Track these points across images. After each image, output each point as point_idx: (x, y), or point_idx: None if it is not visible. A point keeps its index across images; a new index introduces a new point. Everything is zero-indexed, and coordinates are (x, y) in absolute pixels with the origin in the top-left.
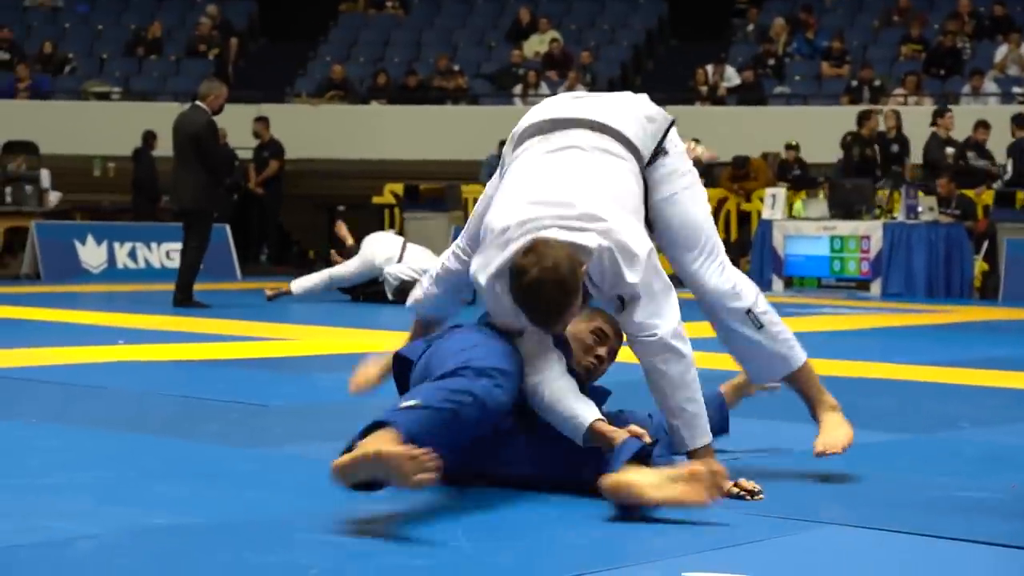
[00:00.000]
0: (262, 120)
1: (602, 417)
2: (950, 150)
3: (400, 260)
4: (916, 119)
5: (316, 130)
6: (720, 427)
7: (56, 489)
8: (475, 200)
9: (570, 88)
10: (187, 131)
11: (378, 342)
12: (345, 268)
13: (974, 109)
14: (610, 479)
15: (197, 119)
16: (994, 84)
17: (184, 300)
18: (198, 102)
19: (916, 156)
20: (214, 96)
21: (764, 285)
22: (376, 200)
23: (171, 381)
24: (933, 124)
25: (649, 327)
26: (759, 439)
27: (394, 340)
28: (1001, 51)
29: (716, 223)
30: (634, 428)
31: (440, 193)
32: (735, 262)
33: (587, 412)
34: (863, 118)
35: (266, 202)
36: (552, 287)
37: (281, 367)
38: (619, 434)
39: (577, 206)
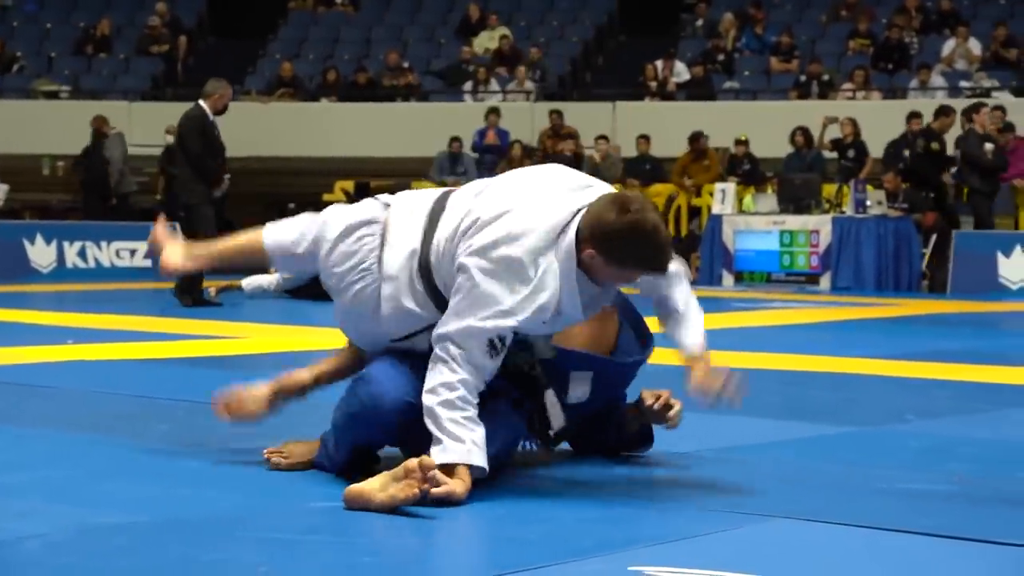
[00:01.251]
0: None
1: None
2: (989, 146)
3: None
4: (864, 114)
5: (266, 128)
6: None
7: (3, 489)
8: None
9: (520, 84)
10: (178, 129)
11: (329, 339)
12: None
13: (921, 103)
14: (346, 491)
15: (187, 117)
16: (941, 78)
17: (195, 299)
18: (200, 101)
19: (875, 152)
20: (218, 96)
21: (714, 280)
22: (327, 198)
23: (120, 380)
24: (969, 121)
25: None
26: (707, 433)
27: (341, 337)
28: (948, 45)
29: (666, 219)
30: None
31: (391, 190)
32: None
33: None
34: (941, 114)
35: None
36: (662, 226)
37: (231, 365)
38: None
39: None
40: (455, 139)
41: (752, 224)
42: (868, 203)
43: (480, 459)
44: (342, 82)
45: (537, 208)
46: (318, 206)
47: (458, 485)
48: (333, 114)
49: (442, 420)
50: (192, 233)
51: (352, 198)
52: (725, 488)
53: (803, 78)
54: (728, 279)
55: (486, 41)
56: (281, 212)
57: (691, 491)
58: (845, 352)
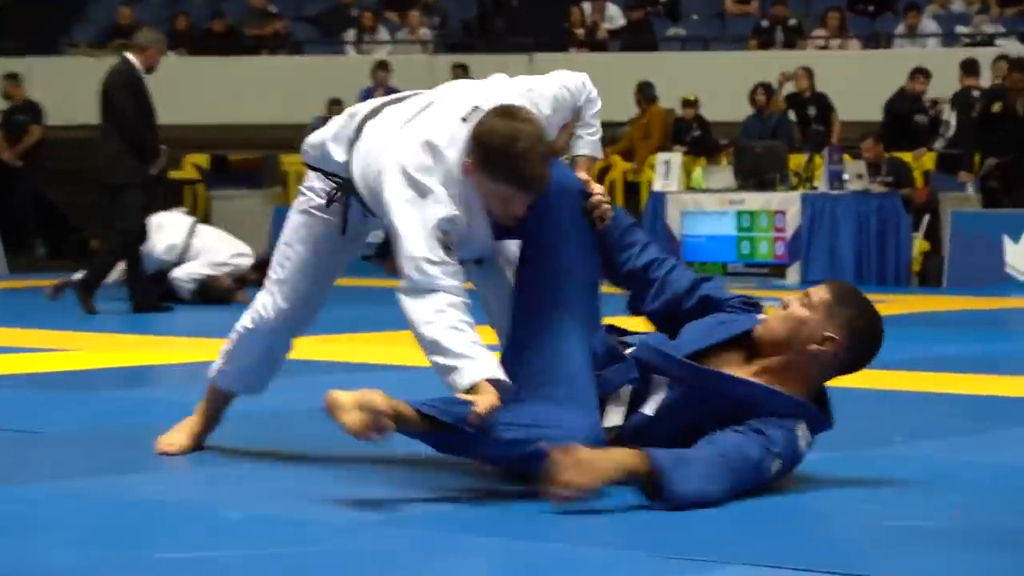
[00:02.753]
0: (11, 77)
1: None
2: None
3: (186, 250)
4: (840, 66)
5: (98, 88)
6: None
7: None
8: (298, 176)
9: (413, 32)
10: (104, 88)
11: (176, 351)
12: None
13: (910, 53)
14: (329, 393)
15: (115, 72)
16: (934, 22)
17: (85, 299)
18: (128, 54)
19: (844, 112)
20: (155, 49)
21: None
22: (174, 175)
23: None
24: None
25: None
26: None
27: (193, 347)
28: None
29: None
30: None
31: (255, 165)
32: None
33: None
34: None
35: (25, 178)
36: (543, 144)
37: (58, 385)
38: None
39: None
40: (335, 101)
41: (703, 204)
42: (845, 176)
43: (503, 373)
44: (194, 31)
45: (421, 125)
46: (163, 186)
47: (492, 397)
48: (183, 71)
49: (450, 345)
50: (112, 222)
51: (206, 175)
52: (680, 529)
53: (765, 23)
54: None
55: None
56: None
57: (642, 534)
58: None
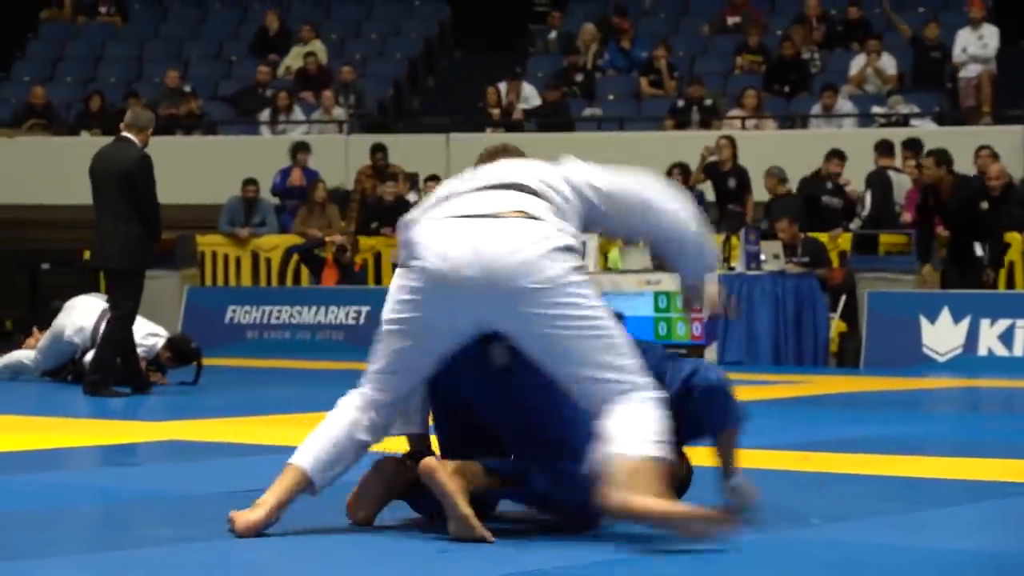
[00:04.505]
0: None
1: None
2: None
3: (97, 333)
4: (757, 146)
5: (11, 168)
6: None
7: None
8: (213, 256)
9: (327, 112)
10: (116, 170)
11: (82, 433)
12: (38, 348)
13: (826, 133)
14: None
15: (131, 154)
16: (849, 103)
17: (101, 384)
18: (127, 134)
19: (762, 192)
20: (151, 129)
21: None
22: (89, 256)
23: None
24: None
25: None
26: (559, 552)
27: (98, 429)
28: (857, 62)
29: None
30: None
31: (169, 246)
32: None
33: None
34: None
35: None
36: None
37: None
38: None
39: None
40: (250, 181)
41: (620, 285)
42: (763, 257)
43: None
44: (108, 111)
45: None
46: (78, 265)
47: None
48: (96, 151)
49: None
50: (120, 305)
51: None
52: None
53: (681, 103)
54: None
55: (289, 59)
56: (32, 273)
57: None
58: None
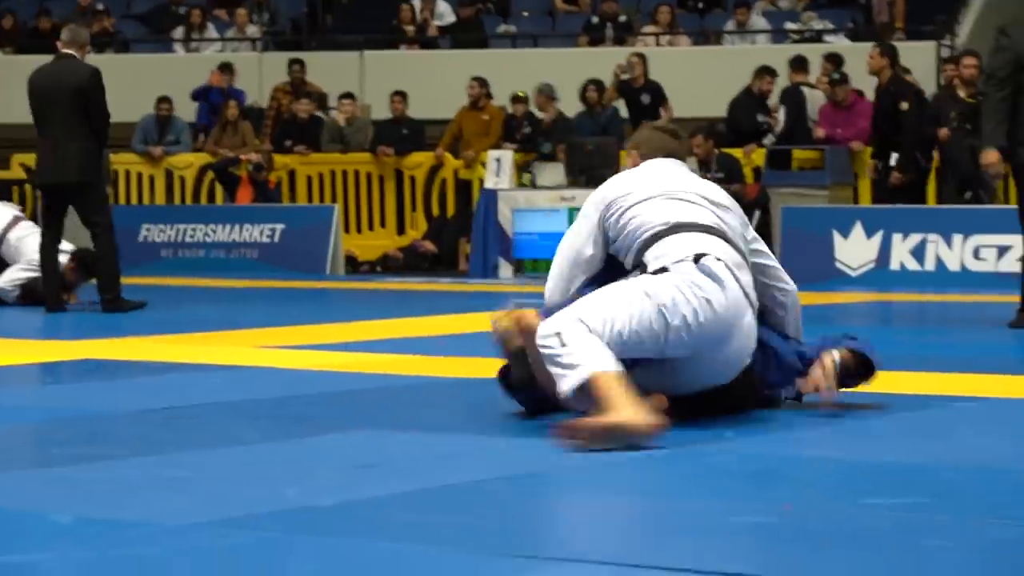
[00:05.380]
0: None
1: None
2: None
3: (3, 237)
4: (671, 63)
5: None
6: None
7: None
8: (127, 174)
9: (241, 30)
10: (70, 85)
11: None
12: None
13: (739, 50)
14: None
15: (80, 70)
16: (763, 19)
17: (116, 300)
18: (69, 51)
19: (675, 109)
20: (89, 44)
21: (489, 271)
22: (1, 175)
23: None
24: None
25: None
26: (490, 460)
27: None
28: None
29: (430, 194)
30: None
31: None
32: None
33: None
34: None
35: None
36: None
37: None
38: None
39: None
40: (164, 100)
41: (535, 201)
42: None
43: None
44: (20, 29)
45: None
46: None
47: None
48: (9, 69)
49: None
50: (96, 219)
51: (33, 174)
52: (524, 526)
53: (595, 19)
54: (506, 269)
55: None
56: None
57: (482, 532)
58: None
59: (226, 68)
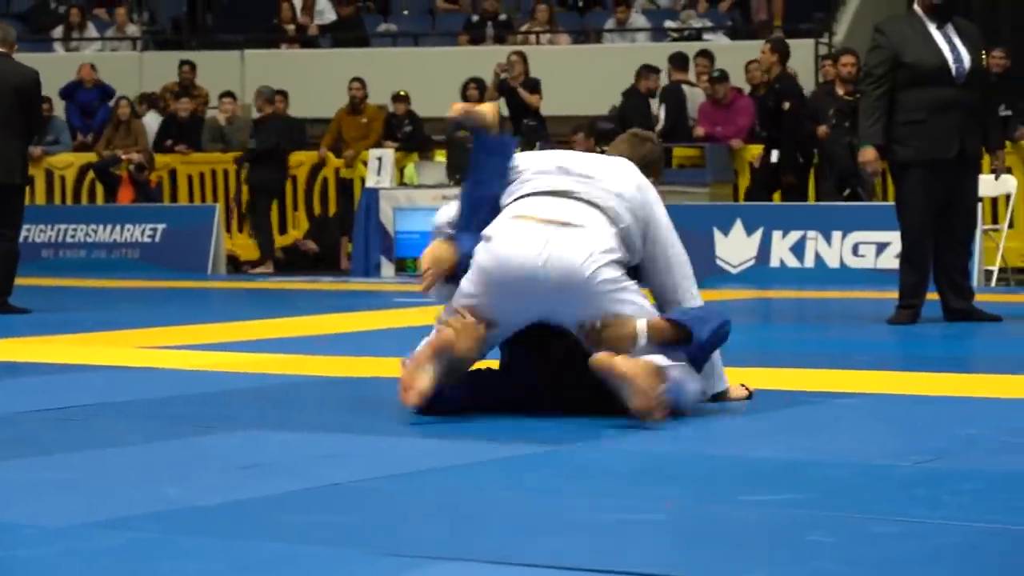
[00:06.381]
0: None
1: None
2: None
3: None
4: (551, 61)
5: None
6: None
7: None
8: None
9: (120, 30)
10: (12, 84)
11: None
12: None
13: (619, 48)
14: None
15: (23, 70)
16: (643, 17)
17: (2, 305)
18: (2, 49)
19: (556, 107)
20: (14, 43)
21: (371, 270)
22: None
23: None
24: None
25: None
26: (357, 461)
27: None
28: None
29: (311, 193)
30: None
31: None
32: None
33: None
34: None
35: None
36: None
37: None
38: None
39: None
40: (43, 99)
41: (416, 200)
42: None
43: None
44: None
45: None
46: None
47: None
48: None
49: None
50: (10, 222)
51: None
52: (400, 525)
53: (475, 18)
54: (388, 268)
55: None
56: None
57: (363, 531)
58: None
59: (91, 67)
